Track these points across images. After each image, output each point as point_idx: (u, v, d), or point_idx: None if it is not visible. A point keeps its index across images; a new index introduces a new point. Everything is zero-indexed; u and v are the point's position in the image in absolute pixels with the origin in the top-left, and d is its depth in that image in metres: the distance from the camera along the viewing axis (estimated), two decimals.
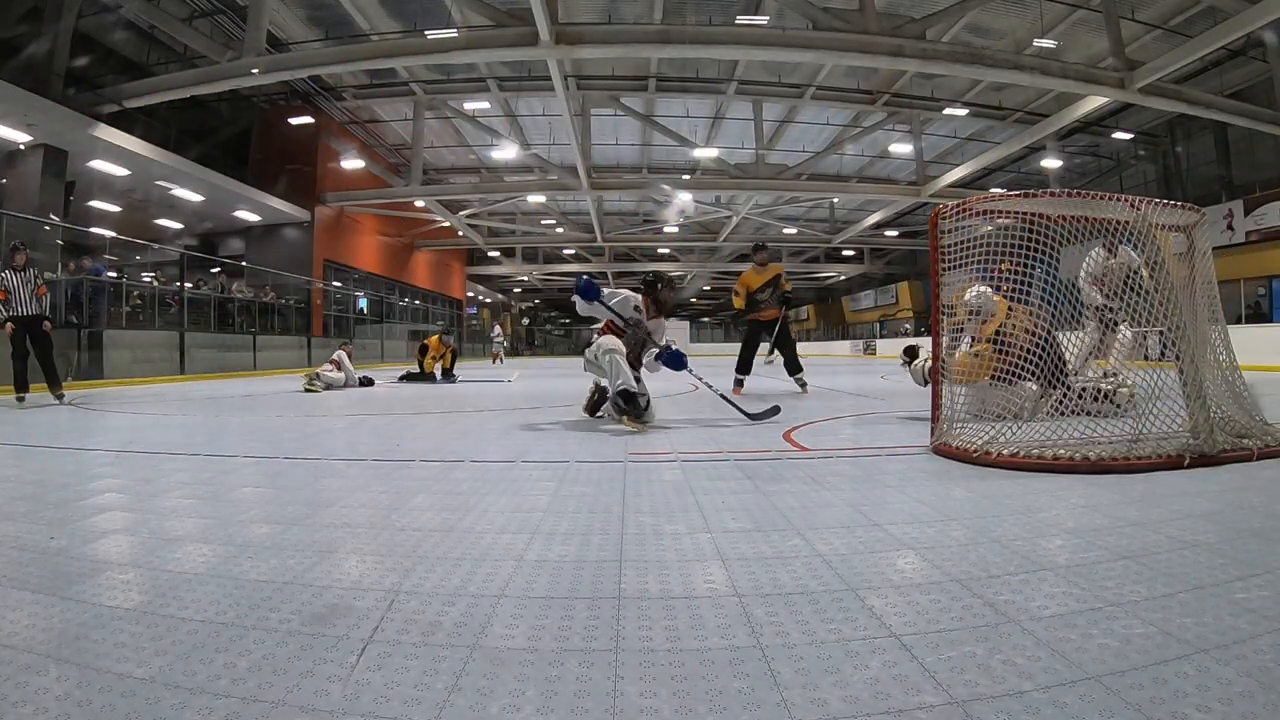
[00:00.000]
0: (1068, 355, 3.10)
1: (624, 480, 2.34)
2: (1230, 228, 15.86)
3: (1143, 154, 19.21)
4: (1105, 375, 3.62)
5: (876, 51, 10.63)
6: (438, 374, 10.31)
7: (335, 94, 16.39)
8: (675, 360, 3.95)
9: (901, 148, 18.02)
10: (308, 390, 7.70)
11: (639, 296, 4.08)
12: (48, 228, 10.50)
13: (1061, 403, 3.04)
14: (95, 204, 14.42)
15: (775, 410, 3.95)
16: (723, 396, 4.18)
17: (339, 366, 8.59)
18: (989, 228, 3.16)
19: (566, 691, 0.90)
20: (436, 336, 10.55)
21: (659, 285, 4.13)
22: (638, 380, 3.88)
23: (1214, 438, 2.45)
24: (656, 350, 3.99)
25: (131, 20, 12.41)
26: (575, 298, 3.94)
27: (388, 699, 0.88)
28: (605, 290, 3.99)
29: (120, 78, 12.31)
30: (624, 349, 3.83)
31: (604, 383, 4.04)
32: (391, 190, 18.60)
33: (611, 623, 1.12)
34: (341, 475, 2.51)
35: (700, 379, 4.17)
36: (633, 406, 3.68)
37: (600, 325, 4.18)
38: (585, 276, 3.94)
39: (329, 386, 8.18)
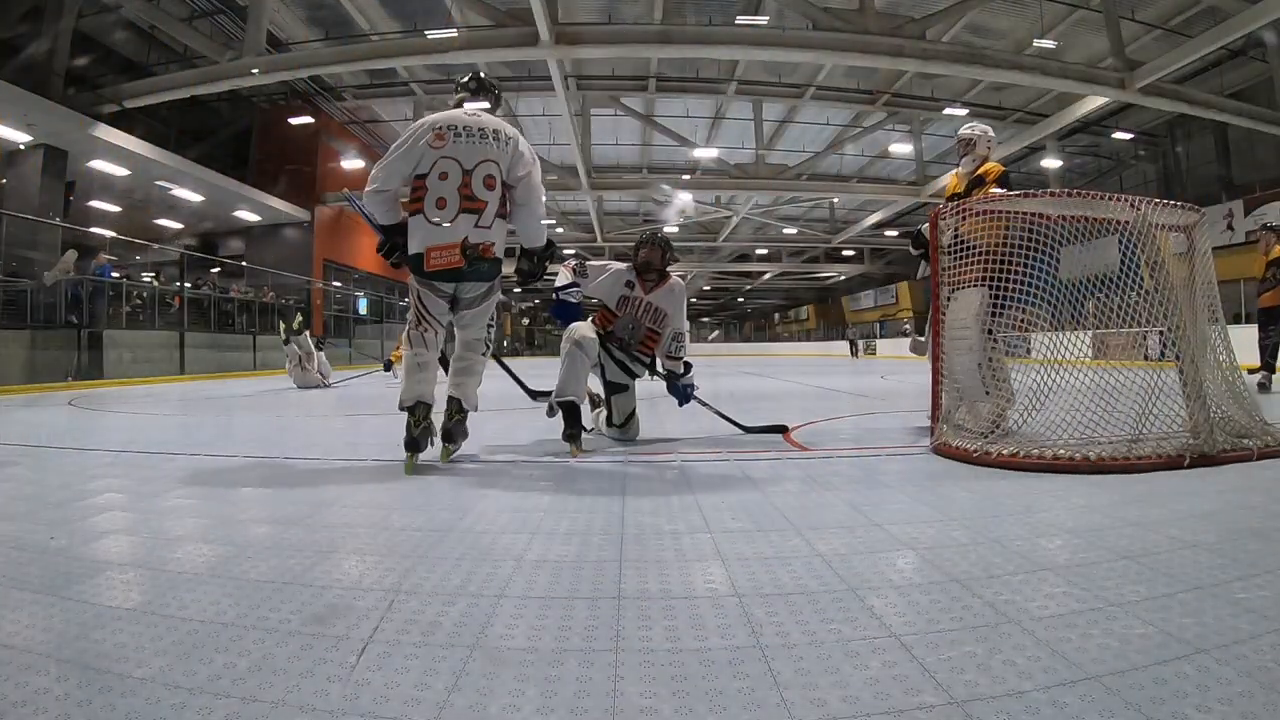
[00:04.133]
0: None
1: (624, 480, 2.33)
2: (1230, 228, 15.85)
3: (1143, 154, 19.21)
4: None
5: (876, 51, 10.65)
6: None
7: (335, 94, 16.38)
8: (681, 394, 3.40)
9: (901, 148, 18.01)
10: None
11: (631, 270, 3.32)
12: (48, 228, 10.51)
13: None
14: (95, 204, 14.43)
15: (780, 429, 3.42)
16: (718, 413, 3.53)
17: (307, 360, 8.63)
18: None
19: (566, 691, 0.90)
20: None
21: (640, 250, 3.32)
22: (620, 387, 3.30)
23: (1214, 438, 2.45)
24: (677, 359, 3.36)
25: (131, 20, 12.42)
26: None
27: (388, 699, 0.88)
28: (590, 270, 3.31)
29: (120, 78, 12.32)
30: (594, 337, 3.05)
31: (596, 389, 3.45)
32: None
33: (611, 622, 1.12)
34: (341, 475, 2.51)
35: (707, 405, 3.53)
36: (572, 425, 2.93)
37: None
38: (556, 296, 3.20)
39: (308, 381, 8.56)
